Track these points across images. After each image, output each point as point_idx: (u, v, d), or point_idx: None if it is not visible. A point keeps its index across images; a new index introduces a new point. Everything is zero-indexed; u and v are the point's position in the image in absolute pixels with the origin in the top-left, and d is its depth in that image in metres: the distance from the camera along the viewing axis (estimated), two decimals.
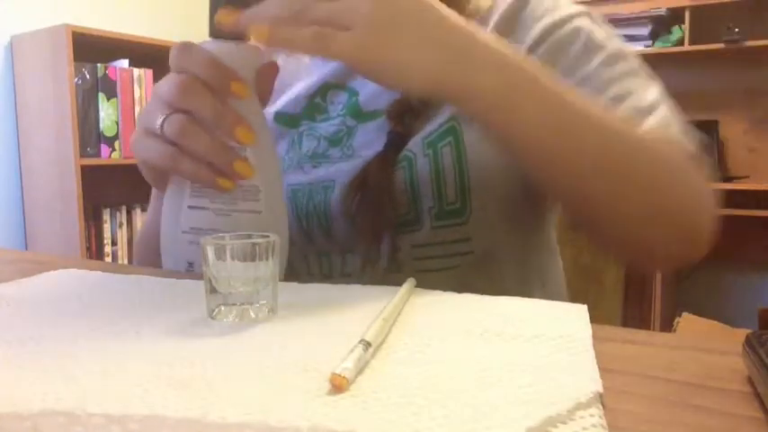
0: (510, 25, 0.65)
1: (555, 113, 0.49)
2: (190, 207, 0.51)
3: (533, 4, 0.65)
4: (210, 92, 0.47)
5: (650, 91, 0.61)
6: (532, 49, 0.63)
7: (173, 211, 0.53)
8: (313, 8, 0.44)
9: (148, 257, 0.68)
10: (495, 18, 0.65)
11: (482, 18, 0.66)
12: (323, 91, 0.73)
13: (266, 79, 0.53)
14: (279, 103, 0.74)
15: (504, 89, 0.47)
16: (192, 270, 0.53)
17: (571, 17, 0.64)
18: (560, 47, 0.62)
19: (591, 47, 0.62)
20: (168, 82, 0.48)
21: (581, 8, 0.66)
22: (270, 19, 0.45)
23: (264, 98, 0.54)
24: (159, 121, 0.48)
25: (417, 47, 0.45)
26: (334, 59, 0.45)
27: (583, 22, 0.64)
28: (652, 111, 0.59)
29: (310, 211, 0.66)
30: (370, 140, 0.66)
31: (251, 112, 0.49)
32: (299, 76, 0.75)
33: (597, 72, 0.61)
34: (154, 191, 0.63)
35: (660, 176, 0.53)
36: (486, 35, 0.48)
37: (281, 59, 0.75)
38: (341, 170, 0.65)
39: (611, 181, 0.52)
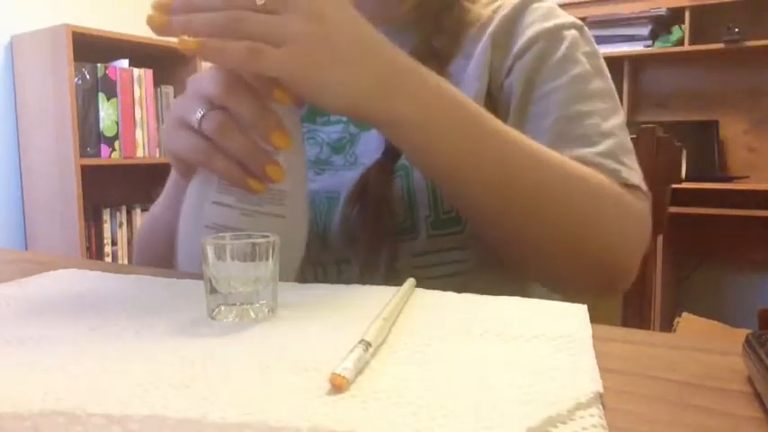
0: (506, 33, 0.65)
1: (478, 142, 0.50)
2: (214, 202, 0.51)
3: (529, 11, 0.65)
4: (253, 93, 0.47)
5: (612, 119, 0.61)
6: (519, 55, 0.63)
7: (196, 203, 0.52)
8: (245, 21, 0.44)
9: (150, 247, 0.67)
10: (493, 25, 0.65)
11: (482, 25, 0.66)
12: None
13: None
14: None
15: (423, 116, 0.48)
16: None
17: (559, 28, 0.64)
18: (542, 55, 0.62)
19: (569, 59, 0.62)
20: (211, 77, 0.48)
21: (573, 20, 0.66)
22: (201, 28, 0.45)
23: (300, 103, 0.53)
24: (197, 116, 0.48)
25: (341, 68, 0.45)
26: (266, 75, 0.45)
27: (569, 34, 0.64)
28: (606, 137, 0.59)
29: (310, 220, 0.65)
30: (372, 148, 0.65)
31: (288, 117, 0.49)
32: None
33: (568, 85, 0.61)
34: (172, 179, 0.63)
35: (587, 215, 0.54)
36: (411, 61, 0.49)
37: None
38: (345, 180, 0.65)
39: (536, 215, 0.53)
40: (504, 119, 0.62)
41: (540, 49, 0.62)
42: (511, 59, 0.63)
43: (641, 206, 0.58)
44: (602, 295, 0.59)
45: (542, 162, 0.52)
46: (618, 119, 0.62)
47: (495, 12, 0.67)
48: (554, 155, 0.53)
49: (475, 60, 0.64)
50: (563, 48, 0.63)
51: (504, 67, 0.64)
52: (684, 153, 0.80)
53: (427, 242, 0.62)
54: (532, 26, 0.64)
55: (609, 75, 0.65)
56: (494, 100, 0.64)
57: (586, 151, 0.57)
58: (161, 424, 0.24)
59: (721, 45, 2.56)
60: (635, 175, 0.59)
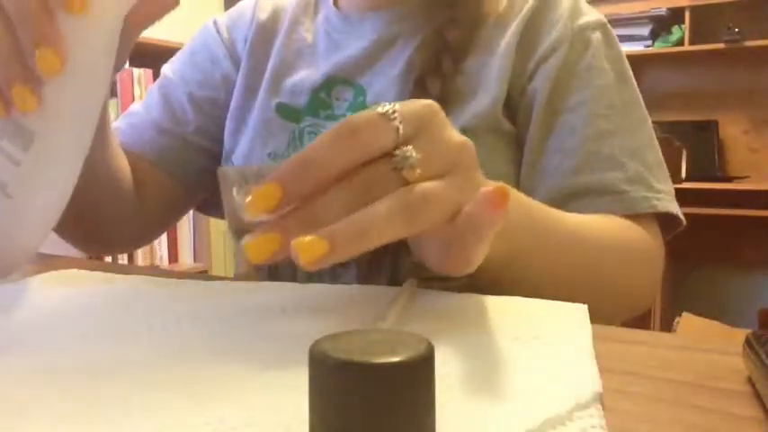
0: (531, 29, 0.63)
1: (544, 251, 0.48)
2: None
3: (551, 6, 0.64)
4: None
5: (639, 131, 0.62)
6: (544, 57, 0.62)
7: None
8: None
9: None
10: (517, 21, 0.63)
11: (499, 18, 0.64)
12: (328, 86, 0.69)
13: (147, 6, 0.44)
14: (279, 93, 0.70)
15: (508, 257, 0.43)
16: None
17: (584, 29, 0.63)
18: (568, 62, 0.62)
19: (594, 67, 0.62)
20: None
21: (597, 18, 0.64)
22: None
23: (138, 25, 0.45)
24: None
25: None
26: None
27: (594, 38, 0.63)
28: (634, 158, 0.60)
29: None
30: None
31: (83, 38, 0.37)
32: (301, 64, 0.71)
33: (593, 99, 0.61)
34: None
35: (620, 278, 0.57)
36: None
37: (280, 41, 0.72)
38: None
39: (581, 289, 0.49)
40: (525, 125, 0.62)
41: (565, 54, 0.62)
42: (534, 62, 0.62)
43: (660, 248, 0.61)
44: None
45: (589, 245, 0.53)
46: (645, 130, 0.63)
47: (512, 5, 0.65)
48: (596, 232, 0.55)
49: (498, 60, 0.62)
50: (588, 55, 0.62)
51: (527, 70, 0.62)
52: (684, 153, 0.80)
53: None
54: (558, 25, 0.63)
55: (632, 76, 0.65)
56: (514, 104, 0.62)
57: (615, 177, 0.59)
58: (161, 424, 0.24)
59: (721, 45, 2.56)
60: (664, 198, 0.60)
